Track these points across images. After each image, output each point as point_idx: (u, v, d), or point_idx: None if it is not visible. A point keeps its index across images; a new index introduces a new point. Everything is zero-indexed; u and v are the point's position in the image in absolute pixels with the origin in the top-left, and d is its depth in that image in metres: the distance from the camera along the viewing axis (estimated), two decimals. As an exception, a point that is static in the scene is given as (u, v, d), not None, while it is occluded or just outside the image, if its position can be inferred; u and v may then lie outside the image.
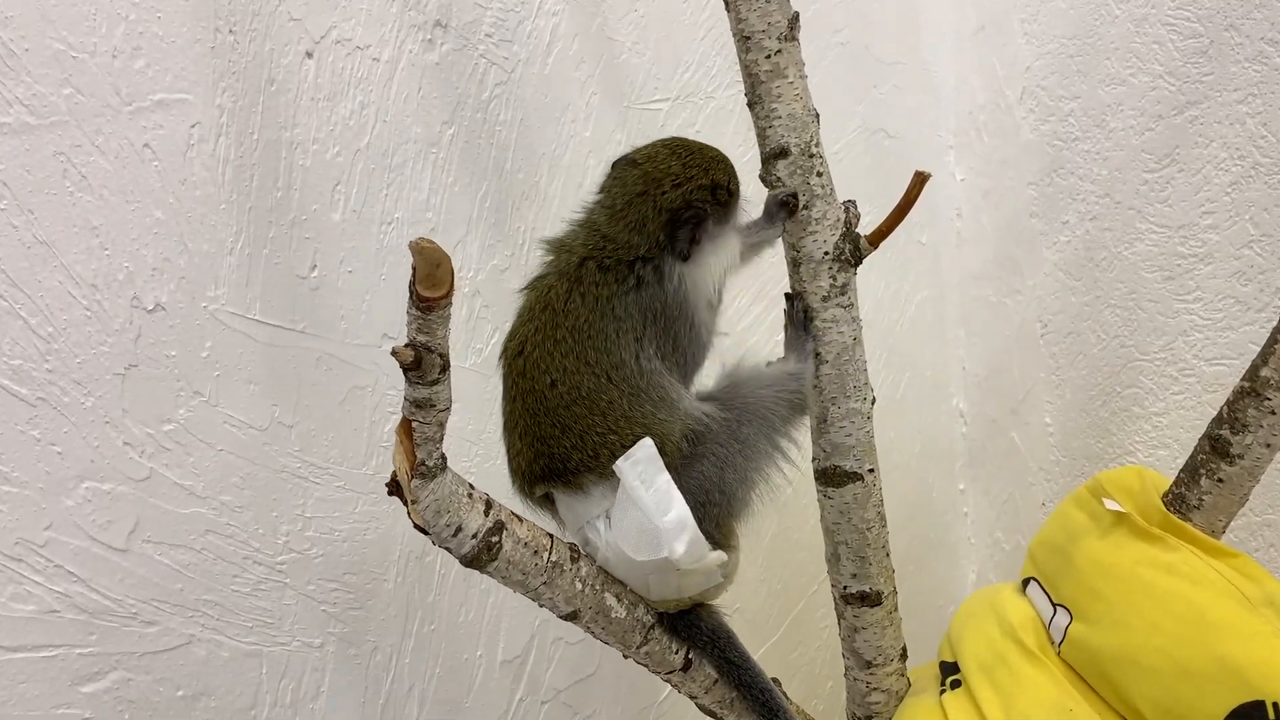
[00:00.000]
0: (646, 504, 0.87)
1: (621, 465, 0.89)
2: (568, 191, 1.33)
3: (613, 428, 0.91)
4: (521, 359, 0.95)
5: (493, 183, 1.27)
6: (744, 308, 1.51)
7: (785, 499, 1.02)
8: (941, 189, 1.74)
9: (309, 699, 1.16)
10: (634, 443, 0.90)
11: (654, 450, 0.89)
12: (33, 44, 0.99)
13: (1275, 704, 0.90)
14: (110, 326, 1.04)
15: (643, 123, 1.39)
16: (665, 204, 0.95)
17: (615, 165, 1.00)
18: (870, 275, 1.67)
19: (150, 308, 1.06)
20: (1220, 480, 1.01)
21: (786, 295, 1.07)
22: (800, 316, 1.04)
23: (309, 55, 1.14)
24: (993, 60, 1.68)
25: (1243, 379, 1.00)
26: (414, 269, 0.71)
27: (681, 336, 0.95)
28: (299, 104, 1.13)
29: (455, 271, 0.72)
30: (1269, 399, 0.96)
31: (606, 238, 0.96)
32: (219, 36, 1.08)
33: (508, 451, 0.97)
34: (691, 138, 1.03)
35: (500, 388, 0.99)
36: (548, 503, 0.97)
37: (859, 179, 1.58)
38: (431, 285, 0.71)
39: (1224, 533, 1.04)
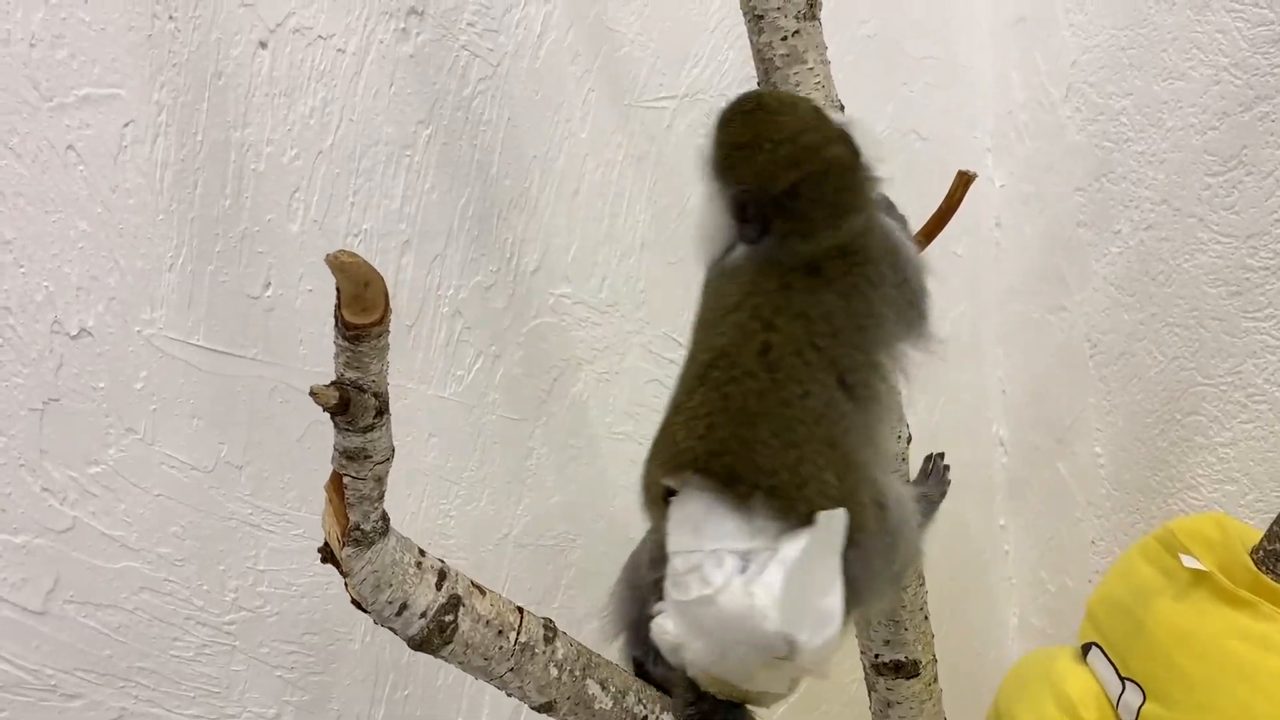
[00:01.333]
0: (814, 576, 0.72)
1: (822, 522, 0.72)
2: (561, 199, 1.20)
3: (832, 467, 0.75)
4: (766, 359, 0.76)
5: (476, 189, 1.14)
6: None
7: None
8: (979, 196, 1.60)
9: (261, 779, 1.03)
10: (838, 493, 0.74)
11: (844, 525, 0.74)
12: (-65, 31, 0.86)
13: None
14: (26, 355, 0.92)
15: (645, 123, 1.27)
16: None
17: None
18: (902, 290, 1.56)
19: (74, 333, 0.94)
20: (1323, 535, 0.85)
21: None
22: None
23: (263, 45, 1.02)
24: (1034, 54, 1.56)
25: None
26: (338, 290, 0.57)
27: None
28: (251, 100, 1.01)
29: (389, 294, 0.58)
30: (1386, 440, 0.81)
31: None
32: (157, 24, 0.96)
33: (668, 425, 0.79)
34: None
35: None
36: (661, 502, 0.79)
37: (889, 185, 1.47)
38: (360, 309, 0.57)
39: (1327, 597, 0.89)
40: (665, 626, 0.75)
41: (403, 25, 1.08)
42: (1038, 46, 1.55)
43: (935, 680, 0.98)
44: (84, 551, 0.94)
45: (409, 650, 1.09)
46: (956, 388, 1.60)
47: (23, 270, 0.91)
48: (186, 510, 0.99)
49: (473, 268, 1.15)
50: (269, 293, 1.03)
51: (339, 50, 1.05)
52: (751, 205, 0.78)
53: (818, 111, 0.81)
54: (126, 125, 0.95)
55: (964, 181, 0.89)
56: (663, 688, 0.81)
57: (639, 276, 1.27)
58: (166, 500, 0.98)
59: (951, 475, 1.56)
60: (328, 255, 0.56)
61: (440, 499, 1.12)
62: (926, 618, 0.97)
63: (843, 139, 0.80)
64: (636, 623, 0.80)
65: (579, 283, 1.23)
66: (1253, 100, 1.30)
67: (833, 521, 0.73)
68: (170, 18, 0.97)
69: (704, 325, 0.81)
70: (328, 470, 1.04)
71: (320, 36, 1.04)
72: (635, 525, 1.25)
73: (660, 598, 0.76)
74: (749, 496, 0.73)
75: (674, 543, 0.75)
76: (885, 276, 0.82)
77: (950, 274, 1.59)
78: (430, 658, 1.06)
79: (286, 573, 1.04)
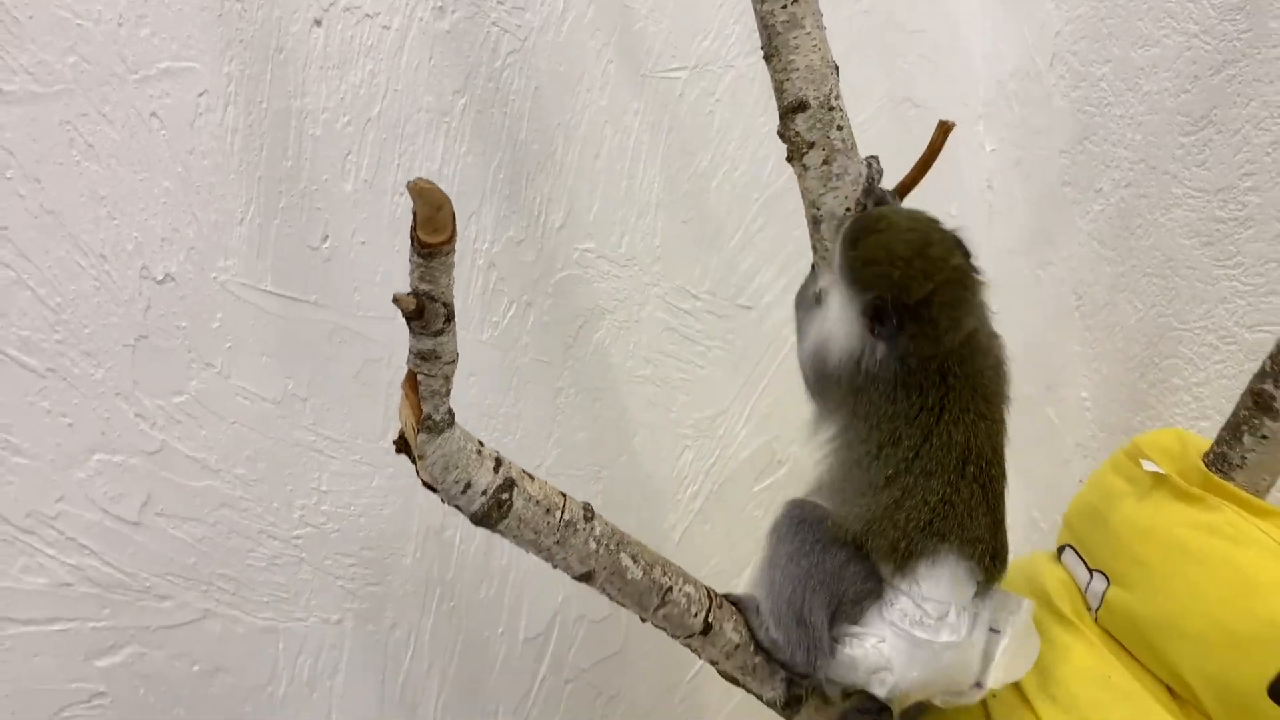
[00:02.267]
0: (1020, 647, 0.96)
1: (1027, 606, 0.98)
2: (584, 162, 1.31)
3: None
4: (994, 452, 0.97)
5: (506, 153, 1.25)
6: (766, 283, 1.48)
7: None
8: (972, 160, 1.70)
9: (327, 676, 1.14)
10: None
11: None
12: (36, 11, 0.98)
13: (1327, 666, 0.86)
14: (119, 297, 1.03)
15: (660, 92, 1.36)
16: None
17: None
18: (898, 249, 1.65)
19: (160, 278, 1.05)
20: (1264, 437, 0.96)
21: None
22: None
23: (317, 23, 1.12)
24: (1021, 26, 1.64)
25: (1287, 330, 0.95)
26: (414, 213, 0.69)
27: None
28: (308, 72, 1.12)
29: (456, 217, 0.70)
30: (1315, 349, 0.92)
31: None
32: (226, 4, 1.07)
33: (967, 524, 0.95)
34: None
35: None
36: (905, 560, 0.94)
37: (885, 151, 1.55)
38: (433, 230, 0.69)
39: (1269, 492, 1.00)
40: (883, 652, 0.92)
41: (439, 4, 1.19)
42: (1024, 18, 1.62)
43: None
44: (171, 471, 1.05)
45: (454, 567, 1.21)
46: (953, 340, 1.70)
47: (115, 223, 1.02)
48: (258, 437, 1.10)
49: (505, 224, 1.25)
50: (326, 244, 1.14)
51: (384, 27, 1.16)
52: (887, 313, 0.91)
53: (936, 224, 0.96)
54: (201, 95, 1.06)
55: (944, 130, 0.99)
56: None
57: (655, 233, 1.37)
58: (240, 427, 1.09)
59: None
60: (409, 182, 0.67)
61: (479, 432, 1.21)
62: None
63: (959, 246, 0.96)
64: (802, 619, 0.94)
65: (600, 239, 1.33)
66: (1221, 64, 1.38)
67: (1030, 606, 0.97)
68: (237, -1, 1.08)
69: (898, 419, 0.93)
70: (381, 403, 1.16)
71: (367, 15, 1.15)
72: (653, 459, 1.37)
73: (853, 620, 0.93)
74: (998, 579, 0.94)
75: (928, 591, 0.92)
76: (999, 360, 1.00)
77: None
78: (471, 572, 1.18)
79: (346, 494, 1.15)
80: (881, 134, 1.59)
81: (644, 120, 1.35)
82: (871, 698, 0.94)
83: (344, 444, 1.15)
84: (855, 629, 0.93)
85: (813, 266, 1.06)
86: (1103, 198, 1.56)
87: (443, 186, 1.19)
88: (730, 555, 1.45)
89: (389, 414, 1.17)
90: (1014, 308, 1.72)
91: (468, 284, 1.23)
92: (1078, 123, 1.57)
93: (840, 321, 0.94)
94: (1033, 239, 1.67)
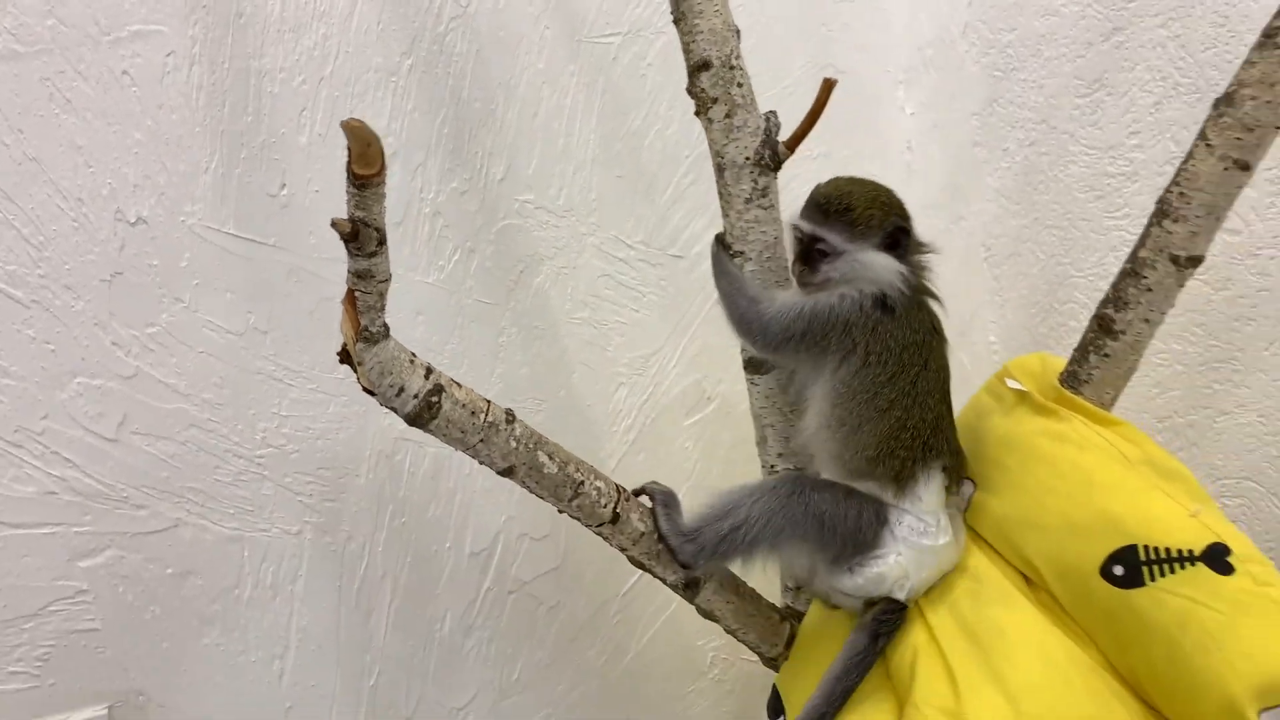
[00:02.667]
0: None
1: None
2: (523, 120, 1.41)
3: None
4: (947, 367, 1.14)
5: (450, 110, 1.35)
6: (696, 233, 1.59)
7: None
8: (893, 123, 1.82)
9: (288, 581, 1.27)
10: None
11: None
12: (18, -22, 1.09)
13: (1145, 546, 1.00)
14: (96, 237, 1.14)
15: (595, 56, 1.47)
16: None
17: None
18: (824, 205, 1.76)
19: (133, 221, 1.16)
20: (1106, 355, 1.10)
21: None
22: None
23: (274, -11, 1.23)
24: None
25: (1125, 262, 1.09)
26: (348, 150, 0.81)
27: None
28: (266, 35, 1.23)
29: (384, 153, 0.82)
30: (1145, 277, 1.06)
31: None
32: (190, -28, 1.18)
33: (929, 422, 1.10)
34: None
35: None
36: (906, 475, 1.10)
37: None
38: (365, 164, 0.81)
39: (1113, 404, 1.13)
40: (902, 564, 1.08)
41: (387, -27, 1.30)
42: None
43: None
44: (145, 394, 1.17)
45: (404, 487, 1.34)
46: (874, 290, 1.82)
47: (91, 170, 1.13)
48: (223, 365, 1.22)
49: (449, 176, 1.37)
50: (284, 192, 1.25)
51: (336, -6, 1.27)
52: (906, 232, 1.11)
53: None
54: (168, 55, 1.17)
55: (827, 87, 1.11)
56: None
57: (590, 187, 1.48)
58: (208, 356, 1.21)
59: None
60: (342, 121, 0.79)
61: (427, 365, 1.35)
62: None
63: None
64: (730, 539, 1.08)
65: (539, 191, 1.44)
66: (1111, 31, 1.50)
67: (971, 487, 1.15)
68: (200, -33, 1.19)
69: (910, 347, 1.08)
70: (335, 338, 1.27)
71: (321, -18, 1.26)
72: (590, 395, 1.48)
73: (871, 546, 1.08)
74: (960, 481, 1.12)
75: (926, 505, 1.09)
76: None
77: None
78: (421, 492, 1.30)
79: (305, 419, 1.27)
80: (807, 98, 1.69)
81: (580, 82, 1.46)
82: (892, 601, 1.10)
83: (302, 374, 1.27)
84: (875, 552, 1.08)
85: (718, 239, 1.18)
86: (1009, 156, 1.68)
87: (390, 140, 1.32)
88: (664, 481, 1.57)
89: (343, 347, 1.29)
90: (931, 259, 1.85)
91: (415, 230, 1.34)
92: (987, 87, 1.69)
93: (865, 272, 1.07)
94: (947, 195, 1.79)
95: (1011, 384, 1.14)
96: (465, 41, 1.36)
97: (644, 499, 1.10)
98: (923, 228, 1.83)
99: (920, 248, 1.13)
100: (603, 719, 1.51)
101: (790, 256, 1.13)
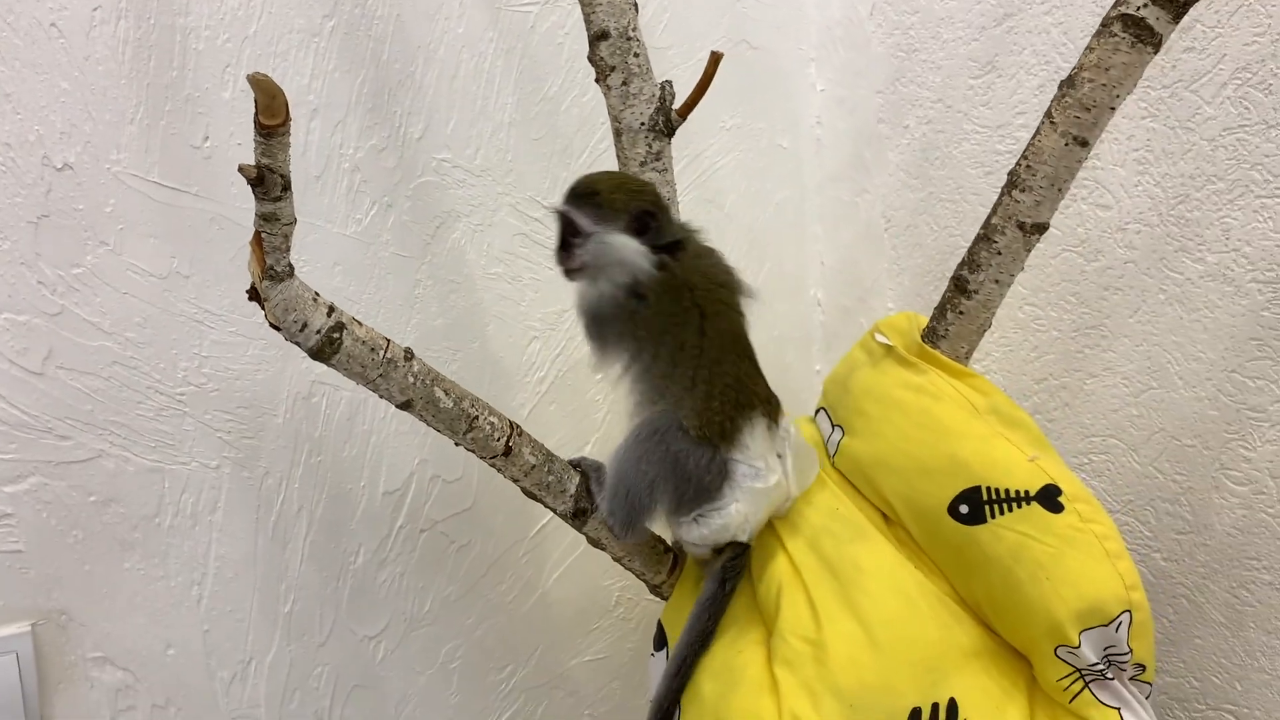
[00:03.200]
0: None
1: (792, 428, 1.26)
2: (441, 83, 1.48)
3: None
4: (734, 331, 1.21)
5: (370, 71, 1.42)
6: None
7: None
8: (803, 99, 1.91)
9: (207, 512, 1.34)
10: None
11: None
12: (-51, -69, 1.14)
13: (988, 487, 1.11)
14: (23, 180, 1.20)
15: (514, 23, 1.54)
16: None
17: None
18: (736, 175, 1.84)
19: (59, 166, 1.22)
20: (961, 313, 1.21)
21: None
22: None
23: (200, -50, 1.29)
24: None
25: (980, 229, 1.19)
26: (255, 102, 0.88)
27: None
28: (191, -6, 1.29)
29: (290, 105, 0.89)
30: (996, 242, 1.16)
31: None
32: (118, -70, 1.24)
33: (737, 382, 1.19)
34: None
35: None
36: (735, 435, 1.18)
37: (725, 88, 1.74)
38: (270, 115, 0.88)
39: (968, 358, 1.24)
40: (741, 510, 1.17)
41: (312, -62, 1.37)
42: None
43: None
44: (70, 331, 1.24)
45: (320, 427, 1.41)
46: (782, 258, 1.91)
47: (19, 116, 1.19)
48: (146, 306, 1.28)
49: (368, 134, 1.43)
50: (207, 144, 1.31)
51: (261, -45, 1.33)
52: (650, 215, 1.15)
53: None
54: (95, 9, 1.22)
55: (714, 60, 1.20)
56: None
57: (507, 149, 1.55)
58: (130, 298, 1.27)
59: (777, 330, 1.89)
60: (248, 75, 0.87)
61: (344, 313, 1.43)
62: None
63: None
64: (634, 504, 1.19)
65: (457, 150, 1.51)
66: (1003, 16, 1.60)
67: (795, 428, 1.23)
68: (128, -74, 1.25)
69: (677, 326, 1.16)
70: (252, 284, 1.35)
71: (246, -56, 1.32)
72: (503, 347, 1.56)
73: (713, 498, 1.17)
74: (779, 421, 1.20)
75: (753, 452, 1.17)
76: (727, 267, 1.24)
77: (777, 164, 1.89)
78: (337, 433, 1.38)
79: (225, 360, 1.34)
80: (722, 73, 1.78)
81: (498, 48, 1.53)
82: (736, 544, 1.20)
83: (222, 317, 1.34)
84: (717, 503, 1.17)
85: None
86: (909, 133, 1.77)
87: (311, 99, 1.40)
88: (574, 431, 1.66)
89: (263, 293, 1.36)
90: (835, 230, 1.94)
91: (334, 185, 1.41)
92: (891, 66, 1.79)
93: (610, 254, 1.14)
94: (852, 169, 1.89)
95: (880, 339, 1.25)
96: (386, 6, 1.42)
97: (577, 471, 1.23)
98: (829, 199, 1.97)
99: (686, 231, 1.20)
100: (510, 651, 1.61)
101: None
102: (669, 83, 1.24)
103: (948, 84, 1.70)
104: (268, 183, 0.90)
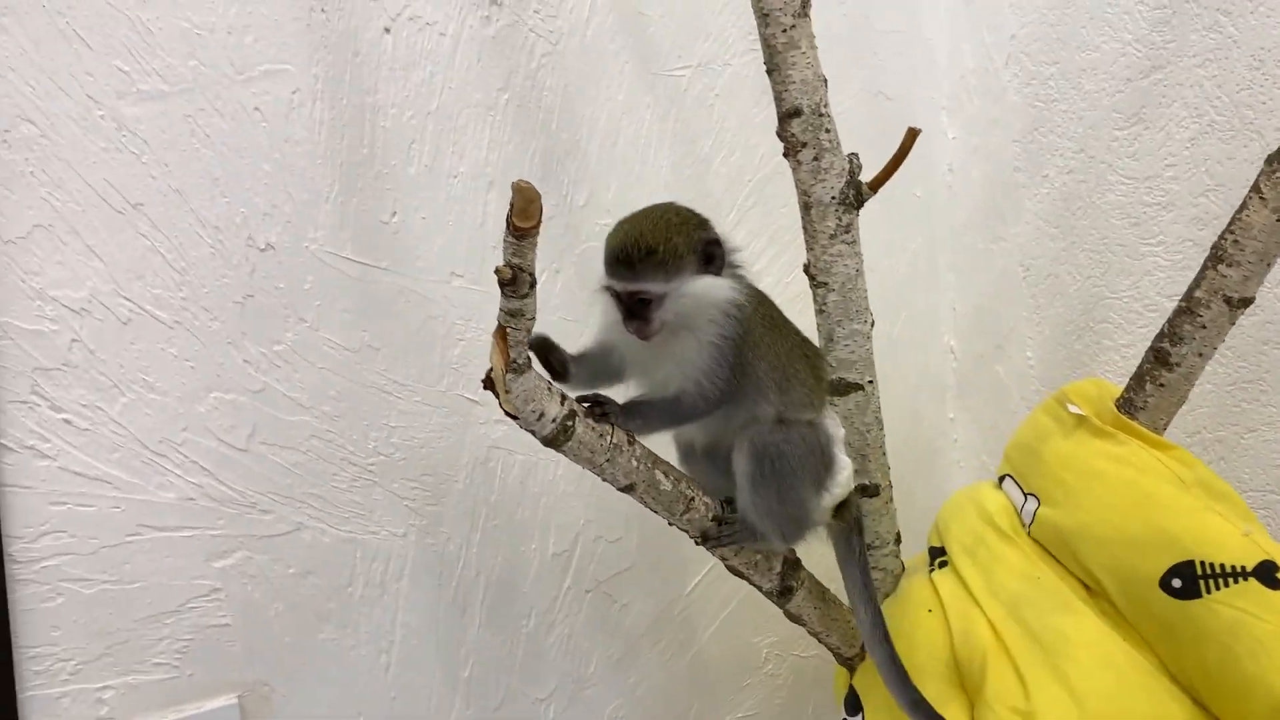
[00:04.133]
0: None
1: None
2: (603, 150, 1.50)
3: None
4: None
5: (540, 141, 1.45)
6: (757, 251, 1.69)
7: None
8: (935, 146, 1.91)
9: (394, 579, 1.36)
10: None
11: None
12: (165, 23, 1.18)
13: (1201, 561, 1.10)
14: (230, 261, 1.23)
15: (668, 87, 1.56)
16: None
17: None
18: (870, 224, 1.83)
19: (262, 247, 1.25)
20: (1162, 385, 1.20)
21: None
22: None
23: (387, 30, 1.32)
24: (982, 28, 1.83)
25: (1180, 300, 1.19)
26: (511, 204, 0.90)
27: None
28: (379, 73, 1.32)
29: (543, 209, 0.91)
30: (1200, 315, 1.16)
31: None
32: (313, 15, 1.27)
33: (815, 370, 1.18)
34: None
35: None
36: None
37: (860, 137, 1.73)
38: (525, 218, 0.90)
39: (1165, 430, 1.24)
40: (845, 459, 1.18)
41: (486, 14, 1.38)
42: (984, 21, 1.82)
43: (891, 500, 1.33)
44: (272, 407, 1.26)
45: (497, 491, 1.43)
46: (915, 307, 1.90)
47: (226, 200, 1.22)
48: (340, 380, 1.31)
49: (539, 202, 1.46)
50: (395, 219, 1.34)
51: (441, 34, 1.35)
52: (717, 241, 1.11)
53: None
54: (294, 93, 1.26)
55: (912, 135, 1.20)
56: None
57: (664, 211, 1.57)
58: (327, 372, 1.30)
59: (912, 379, 1.88)
60: (513, 181, 0.89)
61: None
62: (884, 454, 1.31)
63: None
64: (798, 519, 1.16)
65: (616, 214, 1.51)
66: (1150, 69, 1.59)
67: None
68: (322, 10, 1.27)
69: (780, 322, 1.16)
70: (438, 354, 1.38)
71: (428, 23, 1.34)
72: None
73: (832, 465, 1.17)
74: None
75: (831, 416, 1.19)
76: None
77: (910, 212, 1.88)
78: (510, 496, 1.39)
79: (411, 429, 1.36)
80: (858, 123, 1.78)
81: (654, 113, 1.55)
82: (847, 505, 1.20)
83: (408, 387, 1.36)
84: (838, 464, 1.17)
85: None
86: (1048, 182, 1.76)
87: (488, 170, 1.42)
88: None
89: (444, 363, 1.39)
90: (969, 277, 1.93)
91: (508, 253, 1.43)
92: (1029, 116, 1.78)
93: (697, 304, 1.08)
94: (986, 217, 1.88)
95: (1072, 409, 1.25)
96: (555, 77, 1.45)
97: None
98: (962, 246, 1.96)
99: (730, 250, 1.14)
100: (668, 709, 1.61)
101: (610, 320, 1.13)
102: (855, 155, 1.25)
103: (1090, 134, 1.69)
104: (518, 281, 0.92)
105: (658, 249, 1.06)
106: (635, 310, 1.07)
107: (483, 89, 1.39)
